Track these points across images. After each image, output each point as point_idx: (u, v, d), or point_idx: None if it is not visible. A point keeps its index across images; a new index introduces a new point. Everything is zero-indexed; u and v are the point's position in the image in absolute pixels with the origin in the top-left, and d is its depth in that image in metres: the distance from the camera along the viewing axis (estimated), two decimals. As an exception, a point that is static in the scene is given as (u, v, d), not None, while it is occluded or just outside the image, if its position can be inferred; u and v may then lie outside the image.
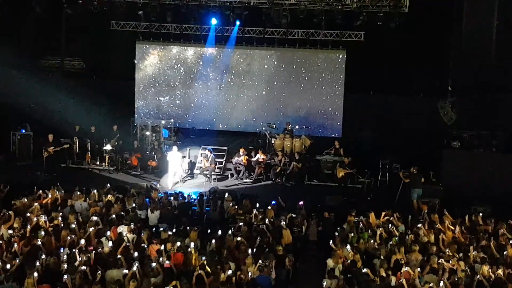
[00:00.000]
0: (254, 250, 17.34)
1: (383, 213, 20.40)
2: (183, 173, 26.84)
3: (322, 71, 30.81)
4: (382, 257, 16.86)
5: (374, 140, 27.46)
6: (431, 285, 15.07)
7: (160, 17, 28.61)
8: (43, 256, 16.20)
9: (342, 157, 26.37)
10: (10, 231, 17.82)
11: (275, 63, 31.32)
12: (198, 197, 22.87)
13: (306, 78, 30.96)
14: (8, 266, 15.57)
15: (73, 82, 30.83)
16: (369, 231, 19.15)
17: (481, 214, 20.49)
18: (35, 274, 14.96)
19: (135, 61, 32.04)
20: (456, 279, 15.43)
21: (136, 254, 16.73)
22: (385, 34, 26.94)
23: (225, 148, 28.52)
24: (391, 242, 18.01)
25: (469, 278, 15.77)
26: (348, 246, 17.61)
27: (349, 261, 16.90)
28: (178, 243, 17.40)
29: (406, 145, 26.54)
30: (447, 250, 17.50)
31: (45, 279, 15.11)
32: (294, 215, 20.45)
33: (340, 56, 30.48)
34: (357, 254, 17.27)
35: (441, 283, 15.21)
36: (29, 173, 26.15)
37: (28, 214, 19.30)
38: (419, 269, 16.13)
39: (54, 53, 32.72)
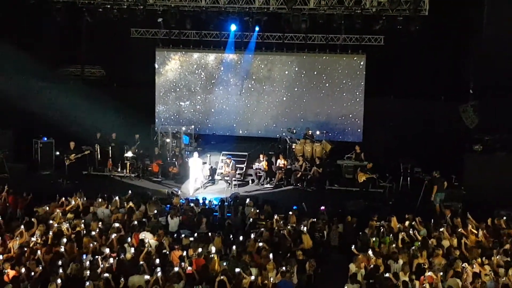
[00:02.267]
0: (276, 255, 17.34)
1: (406, 217, 20.32)
2: (204, 179, 26.89)
3: (342, 76, 30.73)
4: (404, 262, 16.77)
5: (395, 144, 27.29)
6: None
7: (179, 24, 28.66)
8: (66, 263, 16.32)
9: (363, 162, 26.29)
10: (33, 238, 17.94)
11: (296, 69, 31.28)
12: (219, 203, 22.91)
13: (326, 84, 30.89)
14: (32, 273, 15.67)
15: (94, 90, 30.94)
16: (391, 235, 19.06)
17: (504, 218, 20.34)
18: (58, 281, 15.05)
19: (156, 66, 32.12)
20: (480, 283, 15.29)
21: (158, 260, 16.79)
22: (405, 38, 26.77)
23: (246, 153, 28.50)
24: (413, 247, 17.92)
25: (493, 282, 15.65)
26: (370, 251, 17.54)
27: (371, 266, 16.83)
28: (200, 249, 17.44)
29: (428, 149, 26.39)
30: (470, 254, 17.37)
31: (68, 286, 15.18)
32: (315, 220, 20.42)
33: (360, 61, 30.39)
34: (379, 258, 17.20)
35: None
36: (51, 181, 26.36)
37: (51, 222, 19.43)
38: (442, 273, 16.02)
39: (74, 61, 32.91)
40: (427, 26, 25.92)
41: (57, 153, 27.61)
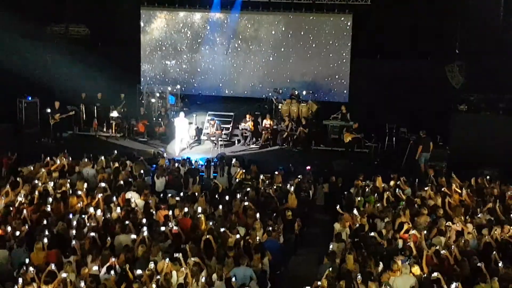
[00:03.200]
0: (262, 215, 17.43)
1: (391, 177, 20.45)
2: (190, 139, 26.88)
3: (328, 36, 30.55)
4: (388, 220, 16.92)
5: (381, 104, 27.31)
6: (437, 247, 15.12)
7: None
8: (52, 222, 16.35)
9: (349, 122, 26.35)
10: (19, 198, 17.91)
11: (283, 29, 31.04)
12: (205, 163, 22.93)
13: (313, 44, 30.71)
14: (17, 232, 15.69)
15: (79, 49, 30.68)
16: (376, 195, 19.20)
17: (487, 177, 20.51)
18: (45, 240, 15.08)
19: (141, 24, 31.80)
20: (463, 241, 15.46)
21: (144, 220, 16.84)
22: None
23: (232, 114, 28.47)
24: (399, 206, 18.07)
25: (476, 241, 15.84)
26: (355, 210, 17.67)
27: (356, 225, 16.96)
28: (186, 209, 17.50)
29: (414, 109, 26.41)
30: (454, 213, 17.52)
31: (54, 244, 15.22)
32: (301, 180, 20.51)
33: (347, 21, 30.20)
34: (364, 218, 17.34)
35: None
36: (36, 141, 26.23)
37: (36, 181, 19.38)
38: (425, 232, 16.17)
39: (59, 19, 32.49)
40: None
41: (47, 111, 27.24)
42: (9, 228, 15.81)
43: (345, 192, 19.93)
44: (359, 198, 18.94)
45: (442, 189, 19.31)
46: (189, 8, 31.51)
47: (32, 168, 20.90)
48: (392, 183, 20.12)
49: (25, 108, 27.86)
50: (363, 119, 26.37)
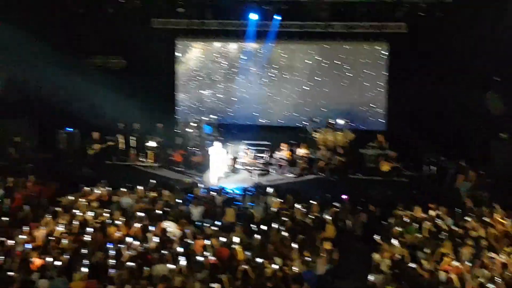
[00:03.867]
0: (299, 245, 17.33)
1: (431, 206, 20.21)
2: (226, 168, 26.90)
3: (364, 64, 30.47)
4: (429, 251, 16.69)
5: (419, 132, 27.09)
6: (481, 280, 14.86)
7: (200, 14, 28.63)
8: (91, 252, 16.46)
9: (387, 151, 26.16)
10: (59, 228, 18.07)
11: (317, 58, 31.06)
12: (242, 192, 22.93)
13: (348, 72, 30.65)
14: (57, 262, 15.80)
15: (116, 80, 31.02)
16: (416, 225, 18.97)
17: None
18: (84, 269, 15.16)
19: (177, 54, 32.05)
20: (508, 273, 15.19)
21: (181, 249, 16.86)
22: (429, 25, 26.52)
23: (267, 143, 28.46)
24: (439, 236, 17.84)
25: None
26: (395, 241, 17.47)
27: (396, 256, 16.77)
28: (223, 239, 17.48)
29: (453, 137, 26.13)
30: (498, 244, 17.24)
31: (92, 274, 15.29)
32: (338, 209, 20.39)
33: (382, 49, 30.13)
34: (404, 248, 17.13)
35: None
36: (75, 171, 26.49)
37: (75, 211, 19.57)
38: (468, 263, 15.92)
39: (96, 52, 32.97)
40: (451, 12, 25.64)
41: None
42: (49, 258, 15.93)
43: (384, 222, 19.73)
44: (398, 228, 18.74)
45: (485, 220, 19.01)
46: (224, 38, 31.72)
47: (71, 198, 21.10)
48: (432, 213, 19.87)
49: (64, 139, 28.16)
50: (401, 147, 26.17)
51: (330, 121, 28.38)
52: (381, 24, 29.06)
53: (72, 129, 28.34)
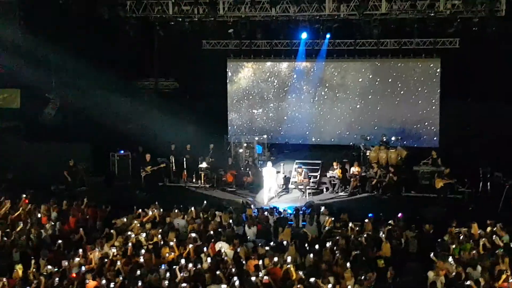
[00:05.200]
0: (352, 264, 17.17)
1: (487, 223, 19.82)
2: (278, 188, 26.87)
3: (416, 80, 30.29)
4: (484, 269, 16.35)
5: (473, 148, 26.68)
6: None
7: (250, 34, 28.84)
8: (145, 273, 16.55)
9: (440, 167, 25.78)
10: (113, 250, 18.26)
11: (369, 76, 30.95)
12: (294, 212, 22.84)
13: (401, 89, 30.49)
14: (112, 284, 15.93)
15: (168, 102, 31.37)
16: (471, 242, 18.62)
17: None
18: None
19: (229, 73, 32.26)
20: None
21: (234, 269, 16.84)
22: (481, 39, 26.16)
23: (319, 162, 28.35)
24: (496, 252, 17.48)
25: None
26: (450, 258, 17.18)
27: (452, 274, 16.47)
28: (276, 258, 17.41)
29: (508, 153, 25.65)
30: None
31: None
32: (392, 227, 20.14)
33: (435, 65, 29.88)
34: (460, 266, 16.82)
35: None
36: (128, 193, 26.77)
37: (129, 233, 19.74)
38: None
39: (148, 74, 33.42)
40: (504, 27, 25.24)
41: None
42: (103, 280, 16.08)
43: (439, 240, 19.42)
44: (453, 246, 18.42)
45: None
46: (274, 58, 31.81)
47: (125, 219, 21.31)
48: (488, 229, 19.48)
49: (117, 161, 28.53)
50: (455, 164, 25.74)
51: (384, 138, 28.14)
52: (433, 40, 28.83)
53: (124, 152, 28.62)
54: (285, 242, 19.14)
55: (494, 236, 18.86)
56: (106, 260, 17.55)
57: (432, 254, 17.78)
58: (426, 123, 30.12)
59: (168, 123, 29.60)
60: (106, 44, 29.64)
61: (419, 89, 30.17)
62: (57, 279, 16.27)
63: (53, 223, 21.14)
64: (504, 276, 15.88)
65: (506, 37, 26.22)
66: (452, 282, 16.04)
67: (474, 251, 17.84)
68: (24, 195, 23.34)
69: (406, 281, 18.20)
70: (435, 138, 29.92)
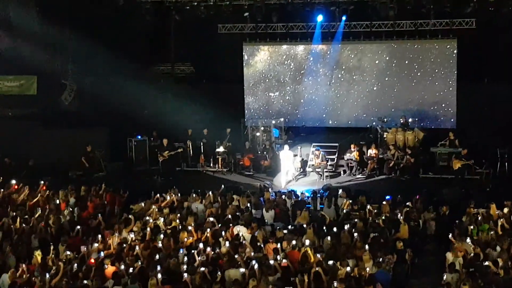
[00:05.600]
0: (371, 246, 17.18)
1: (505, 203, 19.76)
2: (296, 171, 26.89)
3: (433, 62, 30.06)
4: (503, 249, 16.34)
5: (491, 129, 26.55)
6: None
7: (266, 18, 28.79)
8: (163, 258, 16.65)
9: (458, 148, 25.69)
10: (131, 235, 18.37)
11: (386, 58, 30.72)
12: (312, 195, 22.85)
13: (417, 71, 30.24)
14: (131, 268, 16.04)
15: (184, 87, 31.42)
16: (490, 223, 18.58)
17: None
18: (159, 275, 15.34)
19: (245, 57, 32.15)
20: None
21: (253, 253, 16.90)
22: (497, 20, 25.99)
23: (336, 144, 28.33)
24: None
25: None
26: (468, 239, 17.16)
27: (470, 255, 16.45)
28: (294, 241, 17.45)
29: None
30: None
31: (166, 280, 15.46)
32: (410, 209, 20.13)
33: (452, 46, 29.66)
34: (478, 247, 16.80)
35: None
36: (146, 178, 26.90)
37: (147, 218, 19.85)
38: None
39: (164, 59, 33.46)
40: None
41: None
42: (122, 265, 16.19)
43: (457, 221, 19.39)
44: (472, 227, 18.39)
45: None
46: (290, 41, 31.70)
47: (143, 205, 21.41)
48: (506, 210, 19.43)
49: (134, 147, 28.63)
50: (472, 145, 25.66)
51: (401, 120, 28.03)
52: (449, 21, 28.63)
53: (141, 137, 28.71)
54: (303, 225, 19.18)
55: (512, 216, 18.84)
56: (124, 245, 17.64)
57: (450, 235, 17.75)
58: (443, 105, 29.93)
59: (185, 108, 29.63)
60: (122, 30, 29.73)
61: (436, 70, 29.96)
62: (76, 265, 16.31)
63: (71, 209, 21.27)
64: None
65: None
66: (471, 263, 16.02)
67: (492, 232, 17.80)
68: (42, 182, 23.50)
69: (424, 262, 18.26)
70: (452, 120, 29.73)
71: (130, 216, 19.90)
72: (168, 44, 32.76)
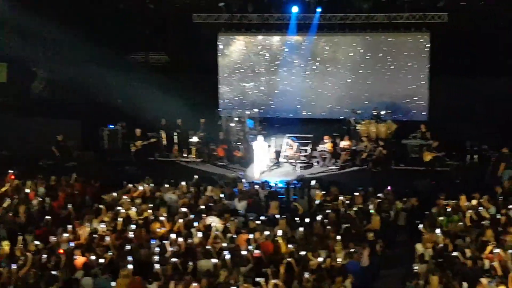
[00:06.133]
0: (343, 237, 17.32)
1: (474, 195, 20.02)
2: (269, 162, 26.92)
3: (406, 55, 30.17)
4: (471, 240, 16.58)
5: (461, 122, 26.80)
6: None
7: (241, 8, 28.74)
8: (135, 248, 16.62)
9: (429, 141, 25.92)
10: (102, 225, 18.28)
11: (361, 50, 30.79)
12: (285, 186, 22.93)
13: (391, 64, 30.33)
14: (101, 259, 15.98)
15: (159, 76, 31.23)
16: (459, 214, 18.82)
17: None
18: (130, 266, 15.31)
19: (221, 46, 32.03)
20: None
21: (225, 244, 16.94)
22: (470, 14, 26.23)
23: (310, 136, 28.41)
24: (483, 224, 17.71)
25: None
26: (438, 230, 17.37)
27: (439, 245, 16.66)
28: (267, 232, 17.51)
29: (495, 126, 25.81)
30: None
31: (137, 270, 15.44)
32: (381, 200, 20.30)
33: (424, 39, 29.82)
34: (447, 238, 17.02)
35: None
36: (118, 168, 26.73)
37: (119, 208, 19.76)
38: (511, 251, 15.75)
39: (139, 48, 33.23)
40: (492, 1, 25.33)
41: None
42: (93, 256, 16.13)
43: (427, 212, 19.59)
44: (441, 218, 18.61)
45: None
46: (266, 32, 31.63)
47: (115, 195, 21.31)
48: (474, 201, 19.68)
49: (107, 136, 28.45)
50: (443, 137, 25.87)
51: (373, 112, 28.18)
52: (422, 14, 28.78)
53: (114, 126, 28.56)
54: (276, 216, 19.26)
55: (480, 208, 19.06)
56: (95, 235, 17.57)
57: (420, 226, 17.94)
58: (415, 98, 30.06)
59: (159, 97, 29.45)
60: (96, 18, 29.48)
61: (409, 63, 30.10)
62: (44, 255, 16.21)
63: (40, 199, 20.97)
64: (489, 248, 16.09)
65: (494, 11, 26.31)
66: (440, 254, 16.23)
67: (461, 223, 18.03)
68: (11, 171, 23.20)
69: (395, 253, 18.45)
70: (424, 112, 29.89)
71: (101, 206, 19.80)
72: (143, 33, 32.54)
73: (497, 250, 15.67)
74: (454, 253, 15.91)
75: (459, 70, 28.24)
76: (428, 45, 29.65)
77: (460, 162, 25.35)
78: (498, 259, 15.25)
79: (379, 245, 17.37)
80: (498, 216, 18.64)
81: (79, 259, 16.13)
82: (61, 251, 16.59)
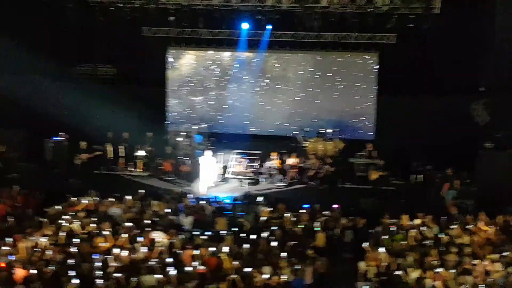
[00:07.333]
0: (288, 254, 17.35)
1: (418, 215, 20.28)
2: (216, 177, 26.86)
3: (355, 74, 30.52)
4: (414, 259, 16.77)
5: (407, 142, 27.15)
6: (466, 286, 14.92)
7: (192, 23, 28.71)
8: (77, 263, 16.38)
9: (375, 160, 26.21)
10: (44, 239, 17.95)
11: (310, 69, 31.02)
12: (232, 202, 22.89)
13: (339, 83, 30.63)
14: (42, 274, 15.69)
15: (106, 89, 30.90)
16: (404, 232, 19.03)
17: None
18: (76, 280, 15.06)
19: (171, 59, 31.88)
20: (492, 280, 15.26)
21: (170, 259, 16.82)
22: (417, 36, 26.72)
23: (258, 152, 28.44)
24: (426, 243, 17.93)
25: (503, 279, 15.61)
26: (382, 249, 17.52)
27: (383, 264, 16.81)
28: (212, 248, 17.45)
29: (440, 146, 26.20)
30: (482, 251, 17.34)
31: (79, 285, 15.21)
32: (327, 218, 20.41)
33: (373, 59, 30.25)
34: (391, 256, 17.18)
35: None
36: (62, 180, 26.28)
37: (62, 221, 19.45)
38: (453, 271, 15.98)
39: (86, 60, 32.89)
40: (439, 24, 25.85)
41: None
42: (34, 270, 15.82)
43: (372, 231, 19.77)
44: (385, 237, 18.79)
45: (469, 227, 19.12)
46: (216, 47, 31.66)
47: (58, 208, 20.99)
48: (418, 221, 19.94)
49: (52, 148, 28.00)
50: (389, 156, 26.22)
51: (321, 130, 28.39)
52: (371, 35, 29.19)
53: (59, 138, 28.12)
54: (222, 232, 19.21)
55: (424, 227, 19.31)
56: (36, 249, 17.26)
57: (364, 244, 18.09)
58: (362, 117, 30.43)
59: (106, 110, 29.12)
60: (43, 29, 29.08)
61: (357, 83, 30.46)
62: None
63: (-20, 211, 20.60)
64: (432, 266, 16.30)
65: (441, 34, 26.85)
66: (383, 272, 16.37)
67: (404, 242, 18.23)
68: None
69: (339, 271, 18.54)
70: (370, 132, 30.26)
71: (43, 219, 19.47)
72: (91, 45, 32.24)
73: (439, 270, 15.87)
74: (397, 272, 16.05)
75: (406, 90, 28.65)
76: (377, 66, 30.06)
77: (405, 181, 25.68)
78: (441, 279, 15.44)
79: (322, 262, 17.44)
80: (441, 235, 18.89)
81: (19, 273, 15.80)
82: (1, 264, 16.23)
